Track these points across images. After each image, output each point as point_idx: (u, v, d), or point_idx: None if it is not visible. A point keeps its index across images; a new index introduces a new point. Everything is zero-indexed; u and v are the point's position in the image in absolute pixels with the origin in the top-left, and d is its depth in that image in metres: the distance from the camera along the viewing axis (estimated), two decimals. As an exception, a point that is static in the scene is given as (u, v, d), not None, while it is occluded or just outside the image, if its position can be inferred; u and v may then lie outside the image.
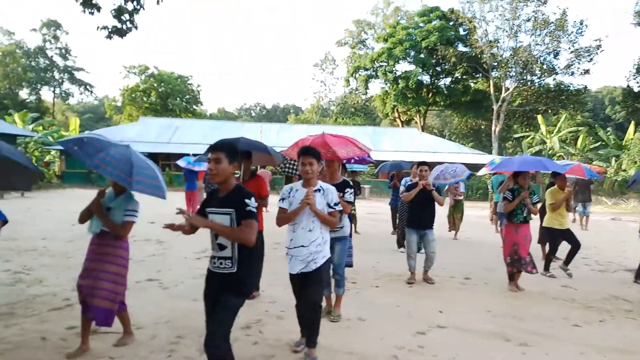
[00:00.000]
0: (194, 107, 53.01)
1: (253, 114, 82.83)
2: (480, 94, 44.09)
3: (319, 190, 4.12)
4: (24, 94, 53.47)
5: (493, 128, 40.35)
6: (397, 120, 48.24)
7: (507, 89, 39.67)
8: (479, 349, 4.51)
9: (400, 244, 9.60)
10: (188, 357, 4.07)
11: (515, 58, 38.09)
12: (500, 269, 8.13)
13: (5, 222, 4.63)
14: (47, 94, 57.45)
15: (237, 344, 4.42)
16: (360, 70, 46.01)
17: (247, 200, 3.10)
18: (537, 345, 4.62)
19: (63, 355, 3.96)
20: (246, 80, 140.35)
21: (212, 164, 3.11)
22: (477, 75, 43.61)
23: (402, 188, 8.72)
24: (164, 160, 28.50)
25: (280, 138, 32.60)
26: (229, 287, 3.15)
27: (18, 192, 19.40)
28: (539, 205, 7.06)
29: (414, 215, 7.08)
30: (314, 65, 58.44)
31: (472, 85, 45.57)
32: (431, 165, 7.85)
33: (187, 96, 51.67)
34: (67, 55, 55.28)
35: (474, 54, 39.52)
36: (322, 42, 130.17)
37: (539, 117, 37.38)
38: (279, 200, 4.20)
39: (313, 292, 3.98)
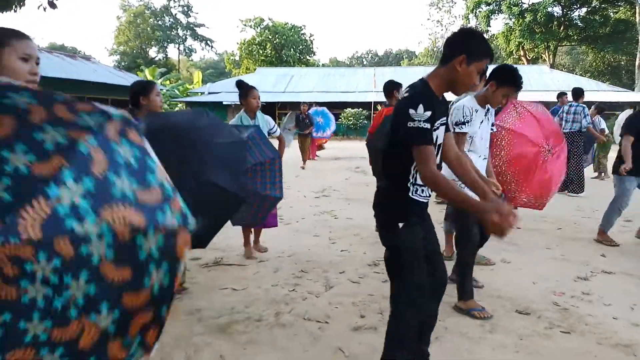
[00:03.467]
0: (307, 57, 53.01)
1: (365, 62, 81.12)
2: (622, 24, 38.44)
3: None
4: (152, 52, 57.43)
5: (637, 62, 35.14)
6: (523, 58, 44.07)
7: (658, 16, 34.06)
8: (663, 300, 3.65)
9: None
10: (312, 292, 3.77)
11: (671, -24, 32.36)
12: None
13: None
14: (172, 52, 60.96)
15: (366, 280, 4.05)
16: (482, 6, 42.28)
17: None
18: None
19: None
20: (357, 28, 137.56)
21: None
22: (619, 3, 37.94)
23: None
24: (280, 109, 28.80)
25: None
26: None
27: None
28: None
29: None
30: (429, 5, 55.03)
31: (612, 15, 39.87)
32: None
33: (301, 46, 51.68)
34: (189, 12, 57.87)
35: (617, -23, 34.29)
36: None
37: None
38: (460, 125, 3.40)
39: None
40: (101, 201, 1.08)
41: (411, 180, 2.23)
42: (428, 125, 2.03)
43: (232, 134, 3.05)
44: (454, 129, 3.39)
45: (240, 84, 4.53)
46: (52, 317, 1.08)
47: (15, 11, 7.89)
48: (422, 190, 2.26)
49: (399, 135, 2.10)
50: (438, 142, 2.23)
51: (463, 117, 3.40)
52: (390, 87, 5.75)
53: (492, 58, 2.25)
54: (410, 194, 2.23)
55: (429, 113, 2.01)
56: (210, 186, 2.63)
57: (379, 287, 3.87)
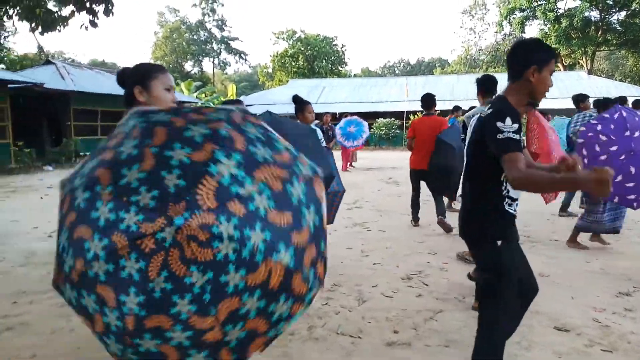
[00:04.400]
0: (339, 68, 53.26)
1: (397, 71, 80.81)
2: (664, 26, 37.15)
3: None
4: (188, 65, 58.74)
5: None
6: (559, 64, 43.08)
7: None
8: None
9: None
10: (345, 305, 3.77)
11: None
12: None
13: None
14: (207, 65, 62.27)
15: (399, 294, 4.03)
16: (516, 12, 41.57)
17: None
18: None
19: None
20: (389, 37, 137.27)
21: None
22: (661, 5, 36.67)
23: None
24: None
25: (427, 90, 31.09)
26: None
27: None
28: None
29: None
30: (462, 13, 54.67)
31: (654, 17, 38.58)
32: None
33: (333, 57, 51.98)
34: (223, 26, 59.03)
35: (658, -21, 33.18)
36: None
37: None
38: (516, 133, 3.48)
39: None
40: (251, 167, 1.37)
41: (504, 192, 2.26)
42: (517, 137, 2.07)
43: (304, 127, 3.82)
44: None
45: (296, 99, 4.71)
46: (244, 266, 1.31)
47: (59, 31, 8.25)
48: (513, 204, 2.29)
49: (489, 149, 2.14)
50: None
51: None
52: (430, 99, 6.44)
53: (557, 56, 2.29)
54: (505, 207, 2.25)
55: (516, 125, 2.07)
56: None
57: (412, 301, 3.85)
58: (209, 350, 1.40)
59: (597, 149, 4.70)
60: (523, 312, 2.45)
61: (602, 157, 4.63)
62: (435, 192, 6.30)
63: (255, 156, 1.40)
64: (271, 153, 1.44)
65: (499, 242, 2.24)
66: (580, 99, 7.28)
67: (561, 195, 7.27)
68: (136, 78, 2.11)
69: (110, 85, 21.60)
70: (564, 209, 7.42)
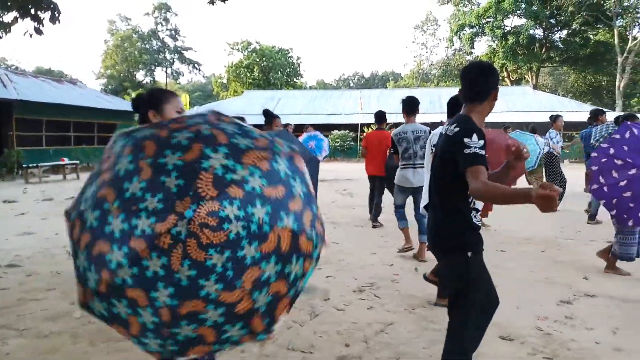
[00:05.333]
0: (295, 79, 53.45)
1: (351, 84, 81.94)
2: (602, 46, 39.48)
3: None
4: (140, 75, 57.34)
5: (617, 83, 35.99)
6: (506, 79, 44.87)
7: (635, 38, 35.03)
8: (644, 323, 3.68)
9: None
10: (297, 320, 3.74)
11: (646, 1, 33.37)
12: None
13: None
14: (160, 75, 61.04)
15: (351, 307, 4.04)
16: (465, 28, 43.09)
17: None
18: None
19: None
20: (344, 51, 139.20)
21: None
22: (598, 26, 38.94)
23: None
24: (268, 131, 28.92)
25: (381, 104, 31.75)
26: None
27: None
28: None
29: None
30: (414, 28, 56.17)
31: (591, 37, 40.87)
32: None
33: (288, 69, 52.14)
34: (176, 36, 58.07)
35: (594, 1, 35.17)
36: (422, 2, 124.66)
37: (677, 67, 32.51)
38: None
39: None
40: (238, 155, 1.53)
41: (472, 205, 2.36)
42: (483, 152, 2.19)
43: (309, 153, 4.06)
44: (432, 150, 3.95)
45: (267, 113, 5.04)
46: (256, 238, 1.48)
47: (1, 37, 7.89)
48: (477, 215, 2.40)
49: (456, 163, 2.23)
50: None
51: None
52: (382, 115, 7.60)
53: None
54: (473, 220, 2.35)
55: (482, 142, 2.20)
56: None
57: (363, 314, 3.86)
58: (242, 321, 1.56)
59: (615, 175, 4.48)
60: (487, 324, 2.54)
61: (622, 183, 4.43)
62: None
63: (239, 145, 1.55)
64: (251, 140, 1.58)
65: (469, 254, 2.34)
66: (598, 113, 8.10)
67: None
68: (151, 103, 2.28)
69: (56, 94, 20.85)
70: (592, 217, 7.87)
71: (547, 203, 1.86)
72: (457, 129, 2.31)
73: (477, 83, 2.39)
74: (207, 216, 1.43)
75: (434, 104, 29.65)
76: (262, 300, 1.55)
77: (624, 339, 3.38)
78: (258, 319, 1.58)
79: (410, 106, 5.65)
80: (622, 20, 35.87)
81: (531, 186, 2.18)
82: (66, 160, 16.97)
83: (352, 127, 27.95)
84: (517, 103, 30.37)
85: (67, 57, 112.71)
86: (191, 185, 1.45)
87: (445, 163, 2.38)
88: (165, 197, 1.44)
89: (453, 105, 4.90)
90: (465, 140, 2.20)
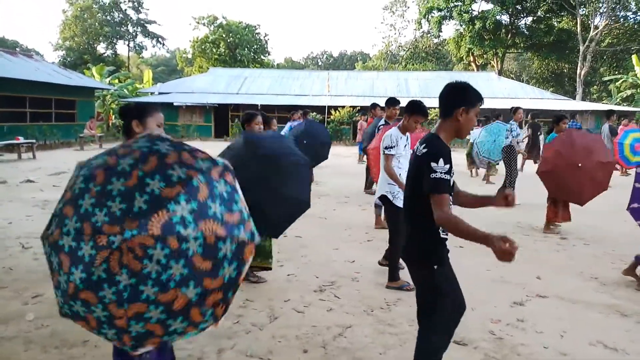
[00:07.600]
0: (262, 57, 52.58)
1: (320, 63, 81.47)
2: (565, 33, 40.46)
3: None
4: (101, 48, 55.22)
5: (578, 71, 36.96)
6: (472, 64, 45.44)
7: (596, 27, 35.94)
8: (591, 325, 3.86)
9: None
10: (256, 324, 3.75)
11: (607, -9, 34.17)
12: (602, 227, 7.25)
13: None
14: (122, 48, 58.95)
15: (310, 309, 4.07)
16: (434, 11, 43.23)
17: None
18: (663, 324, 3.89)
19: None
20: (313, 29, 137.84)
21: None
22: (562, 13, 39.89)
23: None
24: (234, 111, 28.39)
25: (348, 86, 31.70)
26: None
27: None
28: None
29: None
30: (383, 8, 55.85)
31: (555, 24, 41.77)
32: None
33: (255, 46, 51.17)
34: (139, 8, 56.13)
35: (559, -11, 35.84)
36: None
37: (634, 58, 33.40)
38: (389, 149, 4.58)
39: None
40: (200, 217, 1.73)
41: None
42: (448, 177, 2.33)
43: (301, 156, 4.28)
44: (384, 151, 4.61)
45: (263, 116, 5.09)
46: (159, 286, 1.69)
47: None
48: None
49: (423, 184, 2.36)
50: (452, 186, 2.51)
51: (391, 142, 4.59)
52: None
53: (482, 99, 2.56)
54: (441, 234, 2.49)
55: (447, 166, 2.32)
56: (285, 197, 3.99)
57: (323, 317, 3.90)
58: (182, 315, 1.77)
59: None
60: (455, 327, 2.68)
61: None
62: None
63: (208, 210, 1.75)
64: (223, 211, 1.79)
65: (436, 267, 2.50)
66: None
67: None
68: (135, 114, 2.51)
69: (10, 67, 19.85)
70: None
71: (506, 256, 2.06)
72: (425, 150, 2.43)
73: (447, 98, 2.52)
74: (138, 245, 1.66)
75: (401, 88, 29.88)
76: (136, 328, 1.75)
77: (571, 343, 3.53)
78: (127, 339, 1.78)
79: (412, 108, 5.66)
80: (584, 9, 36.71)
81: (491, 233, 2.19)
82: (21, 139, 16.23)
83: (320, 110, 27.78)
84: (481, 89, 29.62)
85: (22, 26, 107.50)
86: (148, 214, 1.67)
87: (414, 181, 2.49)
88: (126, 209, 1.69)
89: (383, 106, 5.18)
90: (432, 164, 2.33)
